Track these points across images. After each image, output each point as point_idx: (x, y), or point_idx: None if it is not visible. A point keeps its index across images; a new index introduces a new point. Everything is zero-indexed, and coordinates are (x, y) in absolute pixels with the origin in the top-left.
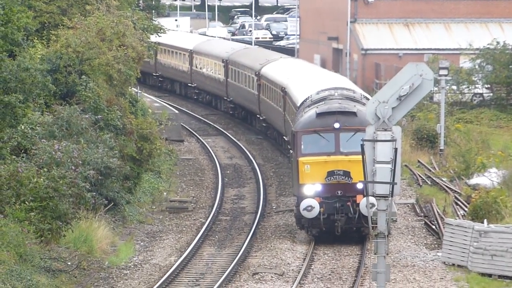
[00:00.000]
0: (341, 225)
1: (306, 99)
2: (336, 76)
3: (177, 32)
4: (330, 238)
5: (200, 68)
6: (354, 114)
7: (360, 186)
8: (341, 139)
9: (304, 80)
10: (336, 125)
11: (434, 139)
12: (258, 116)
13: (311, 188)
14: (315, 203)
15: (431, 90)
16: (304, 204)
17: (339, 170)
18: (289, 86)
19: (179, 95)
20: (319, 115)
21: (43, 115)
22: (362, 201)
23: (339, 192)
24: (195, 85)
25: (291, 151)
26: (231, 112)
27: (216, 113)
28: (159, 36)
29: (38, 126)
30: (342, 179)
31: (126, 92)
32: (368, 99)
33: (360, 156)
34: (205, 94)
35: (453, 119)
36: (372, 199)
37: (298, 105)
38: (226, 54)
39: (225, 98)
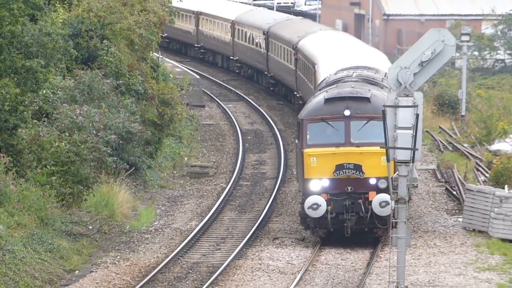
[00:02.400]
0: (351, 225)
1: (323, 80)
2: (370, 52)
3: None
4: (338, 240)
5: (242, 40)
6: (367, 100)
7: (373, 181)
8: (352, 128)
9: (332, 56)
10: (347, 113)
11: (456, 105)
12: (295, 93)
13: (318, 184)
14: (321, 200)
15: (452, 56)
16: (309, 201)
17: (349, 164)
18: (318, 62)
19: (221, 68)
20: (328, 100)
21: (65, 79)
22: (375, 199)
23: (349, 188)
24: (237, 58)
25: (297, 141)
26: (271, 88)
27: (237, 79)
28: (181, 1)
29: (59, 91)
30: (353, 173)
31: (147, 57)
32: None
33: (373, 148)
34: (247, 68)
35: (474, 85)
36: (386, 197)
37: (317, 86)
38: (267, 25)
39: (265, 73)
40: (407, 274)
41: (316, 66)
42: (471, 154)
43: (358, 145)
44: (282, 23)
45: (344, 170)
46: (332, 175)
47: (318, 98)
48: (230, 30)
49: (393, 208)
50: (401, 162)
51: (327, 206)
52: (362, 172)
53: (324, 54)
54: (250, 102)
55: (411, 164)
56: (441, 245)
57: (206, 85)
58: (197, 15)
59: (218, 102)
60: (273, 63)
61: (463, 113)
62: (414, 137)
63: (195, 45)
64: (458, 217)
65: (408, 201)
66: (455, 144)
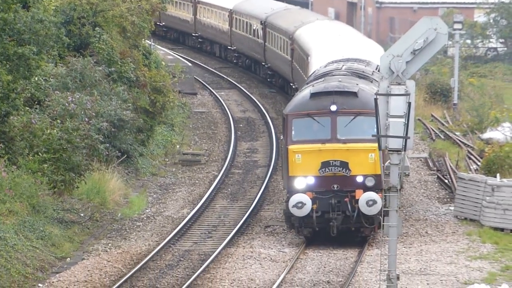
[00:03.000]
0: (337, 224)
1: (313, 73)
2: (365, 43)
3: None
4: (324, 239)
5: (240, 30)
6: (354, 94)
7: (360, 179)
8: (339, 124)
9: (325, 47)
10: (333, 108)
11: (448, 93)
12: (291, 84)
13: (303, 182)
14: (306, 199)
15: (445, 44)
16: (293, 200)
17: (335, 161)
18: (311, 54)
19: (218, 58)
20: (314, 95)
21: (57, 66)
22: (362, 197)
23: (335, 186)
24: (234, 47)
25: (281, 137)
26: (268, 79)
27: (229, 66)
28: None
29: (51, 78)
30: (339, 171)
31: (139, 45)
32: None
33: (360, 144)
34: (244, 58)
35: (466, 73)
36: (373, 195)
37: (307, 79)
38: (265, 15)
39: (263, 63)
40: (398, 263)
41: (309, 58)
42: (463, 143)
43: (344, 142)
44: (280, 13)
45: (330, 168)
46: (318, 172)
47: (304, 93)
48: (228, 19)
49: (382, 203)
50: (393, 151)
51: (313, 204)
52: (349, 170)
53: (317, 45)
54: (243, 90)
55: (403, 152)
56: (432, 234)
57: (198, 73)
58: (195, 3)
59: (210, 90)
60: (270, 54)
61: (455, 102)
62: (406, 125)
63: (193, 34)
64: (449, 206)
65: (399, 190)
66: (447, 133)
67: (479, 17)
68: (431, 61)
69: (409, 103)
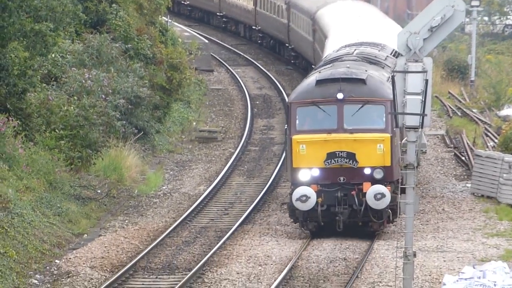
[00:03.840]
0: (344, 219)
1: (324, 57)
2: (386, 25)
3: None
4: (330, 234)
5: (265, 10)
6: (362, 81)
7: (368, 171)
8: (345, 113)
9: (342, 30)
10: (339, 96)
11: (465, 70)
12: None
13: (307, 174)
14: (310, 192)
15: (462, 22)
16: (297, 193)
17: (341, 152)
18: (329, 36)
19: (243, 38)
20: (319, 82)
21: (74, 43)
22: (370, 190)
23: (341, 178)
24: (259, 27)
25: (286, 127)
26: (292, 61)
27: (246, 43)
28: None
29: (68, 55)
30: (346, 162)
31: (156, 21)
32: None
33: (369, 134)
34: (269, 38)
35: (484, 50)
36: (382, 188)
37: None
38: None
39: (287, 44)
40: (415, 240)
41: (326, 40)
42: (480, 120)
43: (351, 132)
44: None
45: (336, 159)
46: (323, 164)
47: (309, 80)
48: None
49: (391, 196)
50: (410, 128)
51: (317, 198)
52: (356, 161)
53: (334, 28)
54: (259, 67)
55: (420, 130)
56: (449, 211)
57: (215, 50)
58: None
59: (226, 67)
60: (294, 34)
61: (472, 79)
62: (423, 102)
63: (218, 13)
64: (466, 183)
65: (416, 167)
66: (464, 110)
67: None
68: (448, 38)
69: (426, 80)
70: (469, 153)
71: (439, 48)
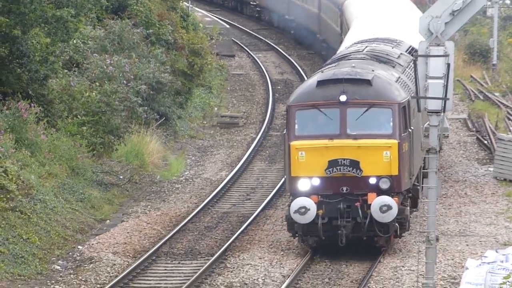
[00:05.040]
0: (347, 233)
1: (334, 55)
2: (410, 18)
3: None
4: (331, 250)
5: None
6: (368, 82)
7: (373, 181)
8: (349, 117)
9: (362, 23)
10: (342, 98)
11: (487, 53)
12: None
13: (307, 183)
14: (310, 203)
15: (484, 5)
16: (296, 204)
17: (344, 159)
18: (350, 29)
19: (277, 28)
20: (321, 83)
21: (95, 29)
22: (375, 202)
23: (344, 188)
24: (292, 18)
25: (284, 132)
26: (323, 53)
27: (267, 28)
28: None
29: (90, 40)
30: (349, 171)
31: (177, 6)
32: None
33: (374, 140)
34: (301, 29)
35: (506, 33)
36: (388, 199)
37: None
38: None
39: (318, 35)
40: (437, 224)
41: (344, 35)
42: (502, 103)
43: (355, 137)
44: None
45: (338, 167)
46: (324, 172)
47: (311, 81)
48: None
49: (398, 208)
50: (432, 112)
51: (318, 210)
52: (360, 170)
53: (356, 21)
54: (280, 52)
55: (442, 114)
56: (472, 195)
57: (236, 35)
58: None
59: (248, 52)
60: (324, 25)
61: (494, 62)
62: (445, 86)
63: (251, 3)
64: (489, 167)
65: (438, 151)
66: (486, 93)
67: None
68: (470, 22)
69: (448, 64)
70: (492, 137)
71: (460, 32)
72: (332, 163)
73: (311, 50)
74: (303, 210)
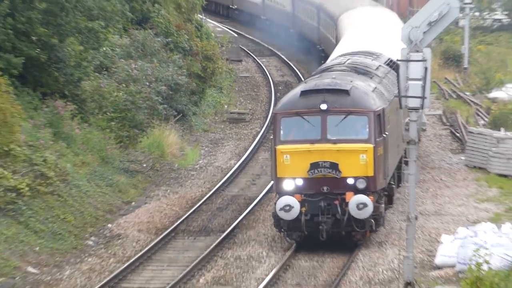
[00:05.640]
0: (327, 228)
1: (319, 67)
2: (392, 33)
3: None
4: (314, 244)
5: (301, 14)
6: (346, 92)
7: (350, 181)
8: (329, 124)
9: (349, 37)
10: (323, 106)
11: (459, 58)
12: None
13: (291, 183)
14: (294, 201)
15: (456, 17)
16: (281, 202)
17: (325, 162)
18: (339, 42)
19: (284, 39)
20: (304, 93)
21: (122, 38)
22: (352, 200)
23: (324, 188)
24: (296, 30)
25: (271, 137)
26: (322, 62)
27: (271, 37)
28: None
29: (117, 48)
30: (329, 172)
31: (192, 18)
32: (395, 63)
33: (352, 145)
34: (305, 40)
35: (475, 41)
36: (364, 198)
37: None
38: (319, 0)
39: (318, 46)
40: (416, 205)
41: (335, 49)
42: (472, 101)
43: (335, 142)
44: None
45: (319, 169)
46: (307, 174)
47: (295, 91)
48: (291, 4)
49: (373, 206)
50: (412, 109)
51: (301, 207)
52: (339, 171)
53: (345, 35)
54: (281, 57)
55: (420, 110)
56: (446, 180)
57: (243, 43)
58: None
59: (253, 57)
60: (323, 38)
61: (465, 66)
62: (423, 87)
63: (262, 17)
64: (461, 156)
65: (417, 142)
66: (459, 93)
67: None
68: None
69: (426, 68)
70: (463, 130)
71: (436, 40)
72: (314, 165)
73: (310, 57)
74: (288, 208)
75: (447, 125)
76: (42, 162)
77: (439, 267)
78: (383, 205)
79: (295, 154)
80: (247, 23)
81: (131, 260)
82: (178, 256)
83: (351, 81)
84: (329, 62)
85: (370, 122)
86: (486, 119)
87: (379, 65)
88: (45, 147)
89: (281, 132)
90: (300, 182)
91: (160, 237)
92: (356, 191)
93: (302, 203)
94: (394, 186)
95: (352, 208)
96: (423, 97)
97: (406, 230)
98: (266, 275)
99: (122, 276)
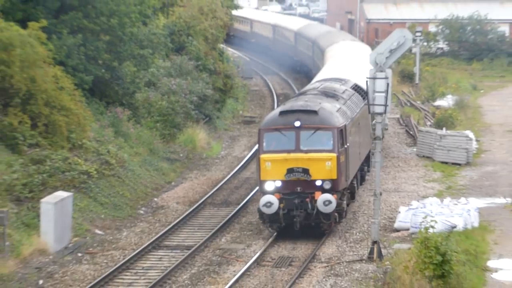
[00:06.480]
0: (300, 220)
1: (299, 91)
2: (362, 63)
3: (261, 11)
4: (289, 232)
5: (301, 47)
6: (315, 112)
7: (319, 183)
8: (302, 137)
9: (328, 67)
10: (297, 124)
11: (412, 76)
12: None
13: (272, 185)
14: (274, 199)
15: (410, 46)
16: (263, 200)
17: (298, 168)
18: (320, 71)
19: (288, 65)
20: (282, 113)
21: (164, 61)
22: (320, 198)
23: (298, 188)
24: (297, 59)
25: (257, 148)
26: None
27: (273, 61)
28: (240, 9)
29: (161, 69)
30: (301, 176)
31: (216, 47)
32: (360, 88)
33: (319, 154)
34: (302, 65)
35: (424, 64)
36: (329, 196)
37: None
38: (314, 35)
39: (312, 70)
40: (381, 184)
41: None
42: (422, 108)
43: (306, 152)
44: (324, 34)
45: (294, 173)
46: (284, 177)
47: (276, 111)
48: (294, 38)
49: (336, 203)
50: (377, 114)
51: (280, 204)
52: (310, 175)
53: (326, 64)
54: (282, 76)
55: (384, 114)
56: (402, 166)
57: (254, 65)
58: (274, 27)
59: (261, 75)
60: (315, 65)
61: (417, 82)
62: (386, 97)
63: (271, 47)
64: (413, 148)
65: (381, 138)
66: (412, 102)
67: (432, 28)
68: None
69: (388, 84)
70: (415, 129)
71: (395, 63)
72: (290, 171)
73: (305, 77)
74: (269, 204)
75: (403, 126)
76: (106, 152)
77: (397, 230)
78: (345, 202)
79: (275, 161)
80: (260, 52)
81: (172, 225)
82: (206, 222)
83: (320, 103)
84: (307, 86)
85: (334, 136)
86: (432, 121)
87: (346, 89)
88: (108, 141)
89: (264, 144)
90: (279, 183)
91: (193, 207)
92: (323, 190)
93: (280, 200)
94: (355, 185)
95: (319, 204)
96: (385, 105)
97: (374, 202)
98: (271, 236)
99: (165, 236)
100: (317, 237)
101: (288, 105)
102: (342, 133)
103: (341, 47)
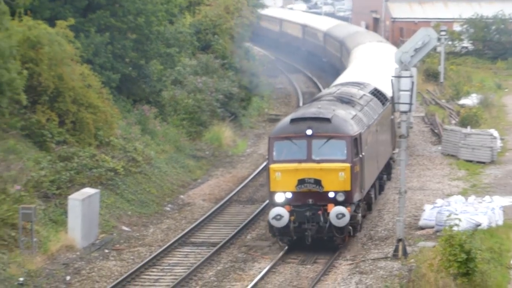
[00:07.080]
0: (312, 234)
1: (315, 96)
2: (385, 66)
3: (290, 10)
4: (301, 246)
5: (330, 47)
6: (328, 120)
7: (331, 195)
8: (313, 146)
9: (349, 70)
10: (308, 132)
11: (437, 75)
12: None
13: (282, 196)
14: (284, 211)
15: (435, 45)
16: (273, 212)
17: (310, 178)
18: (342, 74)
19: (317, 65)
20: (293, 121)
21: (191, 60)
22: (333, 211)
23: (310, 200)
24: (326, 60)
25: (267, 157)
26: None
27: (299, 60)
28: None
29: (187, 67)
30: (313, 187)
31: (242, 46)
32: (380, 92)
33: (331, 164)
34: (331, 65)
35: (449, 62)
36: (342, 209)
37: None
38: (342, 35)
39: (339, 70)
40: (406, 182)
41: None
42: (446, 107)
43: (318, 162)
44: (352, 34)
45: (305, 184)
46: (295, 188)
47: (286, 119)
48: (323, 38)
49: (350, 215)
50: (403, 112)
51: (290, 216)
52: (322, 186)
53: (349, 66)
54: (307, 74)
55: (409, 113)
56: (427, 164)
57: (279, 63)
58: (303, 26)
59: (286, 74)
60: (342, 65)
61: (441, 80)
62: (411, 96)
63: (301, 48)
64: (438, 147)
65: (407, 137)
66: (437, 100)
67: (456, 27)
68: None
69: (413, 82)
70: (440, 127)
71: (420, 61)
72: (301, 181)
73: (331, 76)
74: (279, 217)
75: (428, 124)
76: (133, 150)
77: (422, 228)
78: (360, 214)
79: (285, 171)
80: (290, 52)
81: (198, 221)
82: (232, 219)
83: (334, 110)
84: (323, 91)
85: (347, 145)
86: (456, 119)
87: (364, 94)
88: (135, 139)
89: (274, 153)
90: (289, 195)
91: (219, 205)
92: (336, 203)
93: (291, 213)
94: (372, 195)
95: (332, 218)
96: (410, 103)
97: (399, 200)
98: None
99: (191, 233)
100: (330, 251)
101: (299, 112)
102: (356, 141)
103: (366, 49)
